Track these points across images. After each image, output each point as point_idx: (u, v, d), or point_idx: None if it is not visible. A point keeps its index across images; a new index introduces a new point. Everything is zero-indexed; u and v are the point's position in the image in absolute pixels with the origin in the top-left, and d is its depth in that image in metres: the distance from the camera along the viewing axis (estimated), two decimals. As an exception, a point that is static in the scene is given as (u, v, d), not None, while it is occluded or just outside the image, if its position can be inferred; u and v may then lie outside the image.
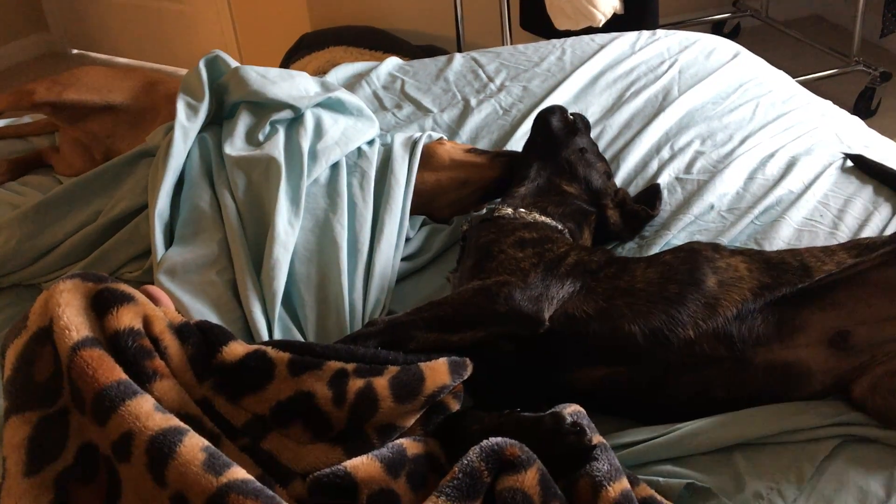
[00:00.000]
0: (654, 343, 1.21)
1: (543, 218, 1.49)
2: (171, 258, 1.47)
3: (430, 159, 1.72)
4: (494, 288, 1.23)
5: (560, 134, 1.67)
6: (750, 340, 1.20)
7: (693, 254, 1.32)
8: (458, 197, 1.72)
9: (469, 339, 1.22)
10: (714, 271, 1.27)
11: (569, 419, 1.06)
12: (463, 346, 1.21)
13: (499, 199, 1.63)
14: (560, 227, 1.49)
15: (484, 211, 1.73)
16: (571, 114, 1.74)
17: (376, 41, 3.46)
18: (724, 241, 1.57)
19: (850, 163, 1.79)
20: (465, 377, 1.14)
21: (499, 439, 1.00)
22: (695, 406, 1.22)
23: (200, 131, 1.70)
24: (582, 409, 1.11)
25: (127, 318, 1.07)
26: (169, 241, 1.54)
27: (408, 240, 1.64)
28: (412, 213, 1.66)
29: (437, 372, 1.10)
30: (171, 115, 1.70)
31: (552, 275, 1.28)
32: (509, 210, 1.50)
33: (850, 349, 1.20)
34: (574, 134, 1.69)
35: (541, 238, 1.39)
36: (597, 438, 1.07)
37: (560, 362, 1.25)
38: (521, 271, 1.28)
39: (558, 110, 1.72)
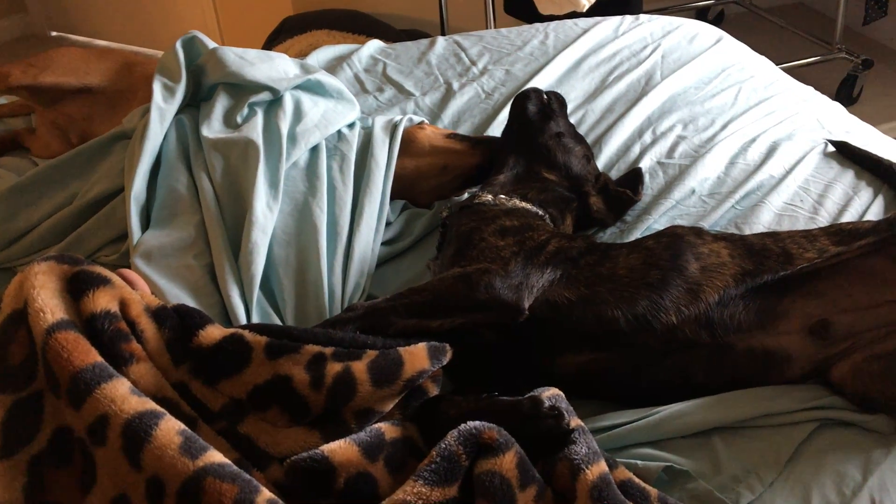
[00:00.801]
0: (637, 328, 1.21)
1: (524, 204, 1.48)
2: (148, 242, 1.45)
3: (409, 145, 1.70)
4: (475, 275, 1.23)
5: (535, 119, 1.66)
6: (731, 326, 1.20)
7: (675, 239, 1.32)
8: (438, 183, 1.71)
9: (448, 325, 1.21)
10: (696, 257, 1.27)
11: (546, 403, 1.06)
12: (443, 331, 1.20)
13: (479, 186, 1.62)
14: (541, 213, 1.49)
15: (465, 196, 1.72)
16: (546, 93, 1.73)
17: (359, 25, 3.43)
18: (705, 225, 1.58)
19: (832, 148, 1.80)
20: (445, 362, 1.13)
21: (477, 423, 0.99)
22: (675, 390, 1.22)
23: (177, 113, 1.68)
24: (560, 393, 1.11)
25: (103, 301, 1.06)
26: (145, 225, 1.52)
27: (388, 224, 1.63)
28: (393, 198, 1.65)
29: (417, 357, 1.10)
30: (149, 97, 1.68)
31: (532, 263, 1.28)
32: (489, 197, 1.50)
33: (830, 338, 1.21)
34: (549, 118, 1.67)
35: (522, 226, 1.38)
36: (575, 422, 1.06)
37: (542, 349, 1.25)
38: (502, 259, 1.27)
39: (533, 94, 1.70)
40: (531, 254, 1.30)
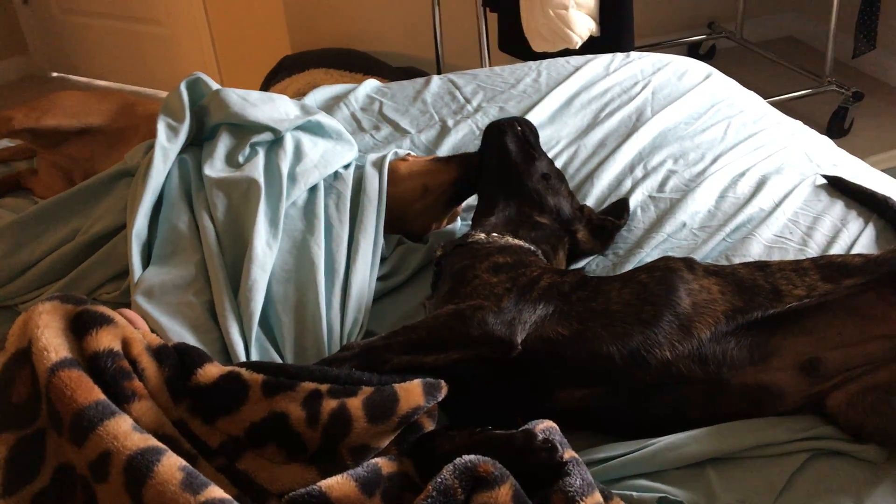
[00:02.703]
0: (632, 364, 1.22)
1: (517, 241, 1.50)
2: (149, 280, 1.47)
3: (391, 175, 1.73)
4: (468, 311, 1.24)
5: (519, 161, 1.64)
6: (725, 363, 1.22)
7: (668, 273, 1.33)
8: (424, 206, 1.73)
9: (443, 360, 1.23)
10: (689, 293, 1.29)
11: (540, 436, 1.07)
12: (438, 367, 1.22)
13: (469, 226, 1.64)
14: (534, 248, 1.51)
15: (459, 223, 1.75)
16: (516, 120, 1.70)
17: (356, 63, 3.48)
18: (696, 258, 1.59)
19: (822, 181, 1.82)
20: (440, 399, 1.14)
21: (472, 457, 1.00)
22: (670, 425, 1.23)
23: (180, 152, 1.71)
24: (554, 425, 1.12)
25: (106, 340, 1.08)
26: (146, 262, 1.54)
27: (384, 260, 1.65)
28: (387, 231, 1.67)
29: (412, 393, 1.11)
30: (150, 135, 1.70)
31: (525, 299, 1.30)
32: (482, 235, 1.52)
33: (821, 374, 1.23)
34: (533, 158, 1.66)
35: (515, 262, 1.40)
36: (569, 453, 1.08)
37: (537, 385, 1.27)
38: (495, 296, 1.29)
39: (509, 129, 1.67)
40: (524, 290, 1.31)
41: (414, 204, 1.72)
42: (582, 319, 1.27)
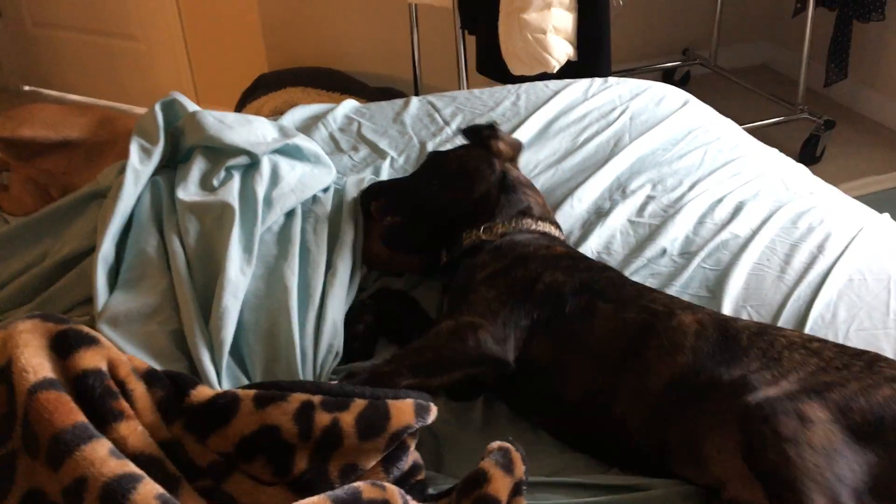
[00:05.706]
0: (593, 410, 1.27)
1: (525, 223, 1.57)
2: (114, 307, 1.43)
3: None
4: (463, 332, 1.30)
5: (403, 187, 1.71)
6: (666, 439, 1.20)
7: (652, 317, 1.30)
8: (388, 255, 1.68)
9: (447, 381, 1.30)
10: (661, 332, 1.28)
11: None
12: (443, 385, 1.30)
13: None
14: (546, 229, 1.58)
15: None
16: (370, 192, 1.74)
17: (334, 82, 3.48)
18: (677, 285, 1.61)
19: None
20: (428, 422, 1.14)
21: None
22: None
23: (154, 174, 1.68)
24: (507, 446, 1.12)
25: (93, 360, 1.07)
26: (113, 287, 1.50)
27: (363, 289, 1.62)
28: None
29: (403, 412, 1.11)
30: (128, 151, 1.68)
31: (519, 309, 1.34)
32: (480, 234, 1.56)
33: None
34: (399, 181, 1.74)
35: (510, 263, 1.42)
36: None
37: (524, 399, 1.35)
38: (491, 313, 1.33)
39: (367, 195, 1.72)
40: (520, 298, 1.35)
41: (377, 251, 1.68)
42: (561, 343, 1.31)
